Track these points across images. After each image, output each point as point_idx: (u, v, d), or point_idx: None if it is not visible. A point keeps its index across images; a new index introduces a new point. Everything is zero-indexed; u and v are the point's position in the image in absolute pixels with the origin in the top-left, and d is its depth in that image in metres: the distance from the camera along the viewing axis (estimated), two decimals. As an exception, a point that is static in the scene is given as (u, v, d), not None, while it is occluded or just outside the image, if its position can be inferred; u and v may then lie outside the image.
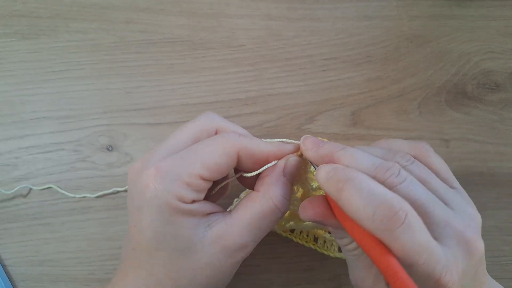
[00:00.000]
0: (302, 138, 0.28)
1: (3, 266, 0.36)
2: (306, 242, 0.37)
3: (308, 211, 0.25)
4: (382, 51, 0.42)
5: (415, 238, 0.20)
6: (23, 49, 0.39)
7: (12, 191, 0.37)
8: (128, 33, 0.40)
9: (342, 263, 0.38)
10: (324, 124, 0.40)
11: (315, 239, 0.37)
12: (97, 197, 0.37)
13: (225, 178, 0.30)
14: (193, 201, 0.25)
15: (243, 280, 0.37)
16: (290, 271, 0.37)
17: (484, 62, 0.42)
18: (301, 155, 0.28)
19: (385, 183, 0.22)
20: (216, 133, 0.28)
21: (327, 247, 0.37)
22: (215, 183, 0.29)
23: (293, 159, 0.28)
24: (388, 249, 0.20)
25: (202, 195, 0.26)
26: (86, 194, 0.37)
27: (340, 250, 0.37)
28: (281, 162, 0.28)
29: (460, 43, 0.42)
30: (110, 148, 0.38)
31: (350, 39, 0.42)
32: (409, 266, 0.20)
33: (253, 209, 0.26)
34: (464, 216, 0.23)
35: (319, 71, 0.41)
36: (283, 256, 0.38)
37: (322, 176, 0.24)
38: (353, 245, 0.26)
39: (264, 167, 0.28)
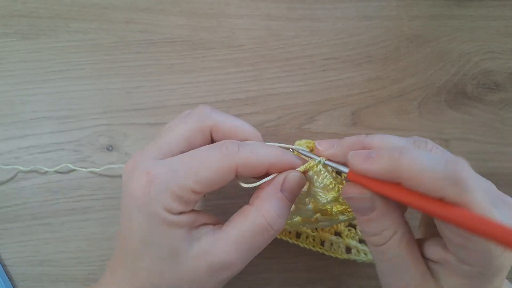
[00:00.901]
0: (316, 143, 0.26)
1: (3, 266, 0.36)
2: (313, 246, 0.37)
3: (355, 188, 0.23)
4: (382, 51, 0.42)
5: (481, 193, 0.20)
6: (23, 49, 0.39)
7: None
8: (128, 33, 0.40)
9: (342, 263, 0.38)
10: (324, 124, 0.40)
11: (322, 243, 0.37)
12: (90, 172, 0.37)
13: None
14: (181, 213, 0.24)
15: (243, 280, 0.37)
16: (290, 271, 0.37)
17: (484, 62, 0.42)
18: (304, 171, 0.27)
19: None
20: (211, 133, 0.27)
21: (334, 249, 0.37)
22: None
23: (293, 175, 0.26)
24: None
25: (192, 207, 0.25)
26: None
27: (348, 251, 0.36)
28: (280, 177, 0.26)
29: (460, 43, 0.42)
30: (110, 148, 0.38)
31: (350, 39, 0.42)
32: None
33: (243, 226, 0.25)
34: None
35: (319, 71, 0.41)
36: (283, 256, 0.38)
37: (362, 157, 0.22)
38: (396, 238, 0.23)
39: (263, 180, 0.26)
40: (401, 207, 0.25)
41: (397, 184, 0.21)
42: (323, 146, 0.26)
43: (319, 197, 0.27)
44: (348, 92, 0.41)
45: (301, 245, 0.36)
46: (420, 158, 0.20)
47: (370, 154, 0.22)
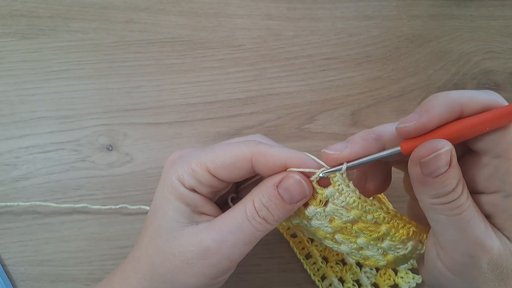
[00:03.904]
0: (324, 151, 0.24)
1: (3, 266, 0.36)
2: (299, 253, 0.37)
3: (426, 143, 0.22)
4: (382, 50, 0.42)
5: None
6: (23, 49, 0.39)
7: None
8: (128, 33, 0.40)
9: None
10: (324, 124, 0.40)
11: (307, 256, 0.37)
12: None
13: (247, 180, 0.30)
14: (193, 190, 0.26)
15: (243, 280, 0.37)
16: (290, 271, 0.37)
17: (484, 62, 0.42)
18: (310, 180, 0.25)
19: None
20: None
21: (315, 270, 0.37)
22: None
23: (293, 175, 0.25)
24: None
25: (205, 190, 0.26)
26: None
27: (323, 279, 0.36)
28: (281, 174, 0.25)
29: (460, 43, 0.42)
30: (110, 148, 0.38)
31: (350, 38, 0.42)
32: None
33: (234, 212, 0.25)
34: None
35: (319, 70, 0.41)
36: (283, 256, 0.38)
37: (413, 117, 0.22)
38: (467, 191, 0.23)
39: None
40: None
41: (457, 120, 0.22)
42: (334, 149, 0.24)
43: (339, 215, 0.26)
44: (348, 92, 0.41)
45: (290, 244, 0.37)
46: (464, 89, 0.23)
47: (416, 114, 0.22)
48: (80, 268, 0.37)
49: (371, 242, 0.27)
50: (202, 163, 0.25)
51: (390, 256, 0.28)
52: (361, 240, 0.27)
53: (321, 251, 0.37)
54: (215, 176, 0.25)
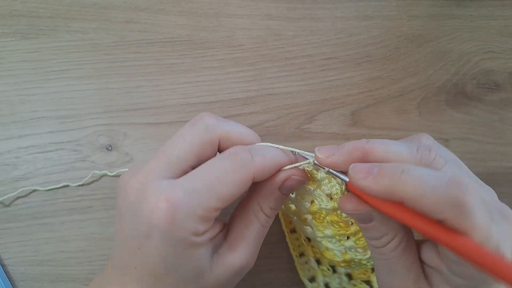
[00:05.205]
0: (316, 150, 0.26)
1: (3, 266, 0.36)
2: (293, 248, 0.37)
3: (351, 204, 0.24)
4: (382, 50, 0.42)
5: (481, 214, 0.20)
6: (23, 49, 0.39)
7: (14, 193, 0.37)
8: (128, 33, 0.40)
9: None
10: (324, 124, 0.40)
11: (301, 255, 0.37)
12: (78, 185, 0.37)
13: None
14: (205, 232, 0.24)
15: (243, 280, 0.37)
16: (290, 271, 0.37)
17: (484, 62, 0.42)
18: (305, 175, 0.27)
19: (431, 166, 0.22)
20: (219, 143, 0.26)
21: (305, 270, 0.37)
22: None
23: (296, 177, 0.27)
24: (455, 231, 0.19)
25: (213, 221, 0.25)
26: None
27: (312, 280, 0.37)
28: (282, 175, 0.26)
29: (460, 43, 0.42)
30: (110, 148, 0.38)
31: (349, 38, 0.42)
32: None
33: (252, 228, 0.27)
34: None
35: (319, 70, 0.41)
36: (283, 256, 0.38)
37: (363, 173, 0.22)
38: (394, 243, 0.24)
39: None
40: None
41: (397, 203, 0.21)
42: (322, 153, 0.25)
43: (320, 200, 0.27)
44: (348, 91, 0.41)
45: (287, 239, 0.37)
46: (422, 178, 0.20)
47: (371, 170, 0.22)
48: (80, 268, 0.37)
49: (337, 236, 0.29)
50: (210, 208, 0.24)
51: (347, 256, 0.30)
52: (328, 232, 0.29)
53: None
54: (221, 208, 0.25)
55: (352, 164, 0.23)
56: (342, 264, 0.31)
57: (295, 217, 0.32)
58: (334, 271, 0.37)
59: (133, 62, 0.40)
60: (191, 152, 0.25)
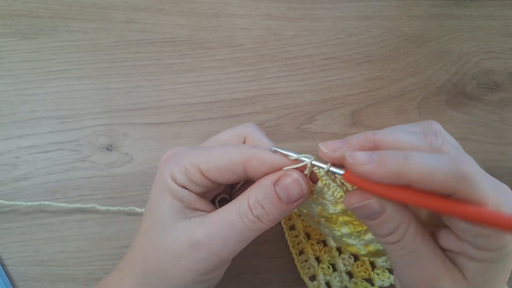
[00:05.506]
0: (320, 145, 0.24)
1: (3, 266, 0.36)
2: (292, 246, 0.37)
3: (356, 197, 0.23)
4: (381, 50, 0.42)
5: (487, 182, 0.21)
6: (23, 49, 0.39)
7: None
8: (128, 32, 0.40)
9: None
10: (324, 124, 0.40)
11: (301, 253, 0.37)
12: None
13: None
14: (185, 188, 0.26)
15: (243, 280, 0.37)
16: (290, 271, 0.37)
17: (484, 62, 0.42)
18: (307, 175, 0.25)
19: (440, 151, 0.23)
20: (244, 142, 0.29)
21: (305, 269, 0.37)
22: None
23: (292, 176, 0.25)
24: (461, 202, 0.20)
25: (197, 189, 0.26)
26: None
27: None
28: (279, 173, 0.25)
29: (460, 43, 0.42)
30: (110, 148, 0.38)
31: (349, 38, 0.42)
32: None
33: (227, 208, 0.25)
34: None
35: (319, 70, 0.41)
36: (283, 256, 0.38)
37: (363, 159, 0.21)
38: (411, 231, 0.23)
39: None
40: None
41: (404, 187, 0.21)
42: (328, 147, 0.24)
43: (327, 208, 0.26)
44: (348, 91, 0.41)
45: (286, 237, 0.37)
46: (426, 160, 0.20)
47: (371, 157, 0.21)
48: (80, 268, 0.37)
49: (354, 233, 0.28)
50: (195, 164, 0.26)
51: (371, 247, 0.29)
52: (345, 230, 0.28)
53: (306, 226, 0.37)
54: (207, 177, 0.26)
55: (348, 152, 0.23)
56: (369, 255, 0.31)
57: (309, 220, 0.32)
58: (334, 269, 0.37)
59: (133, 62, 0.40)
60: (222, 140, 0.30)
